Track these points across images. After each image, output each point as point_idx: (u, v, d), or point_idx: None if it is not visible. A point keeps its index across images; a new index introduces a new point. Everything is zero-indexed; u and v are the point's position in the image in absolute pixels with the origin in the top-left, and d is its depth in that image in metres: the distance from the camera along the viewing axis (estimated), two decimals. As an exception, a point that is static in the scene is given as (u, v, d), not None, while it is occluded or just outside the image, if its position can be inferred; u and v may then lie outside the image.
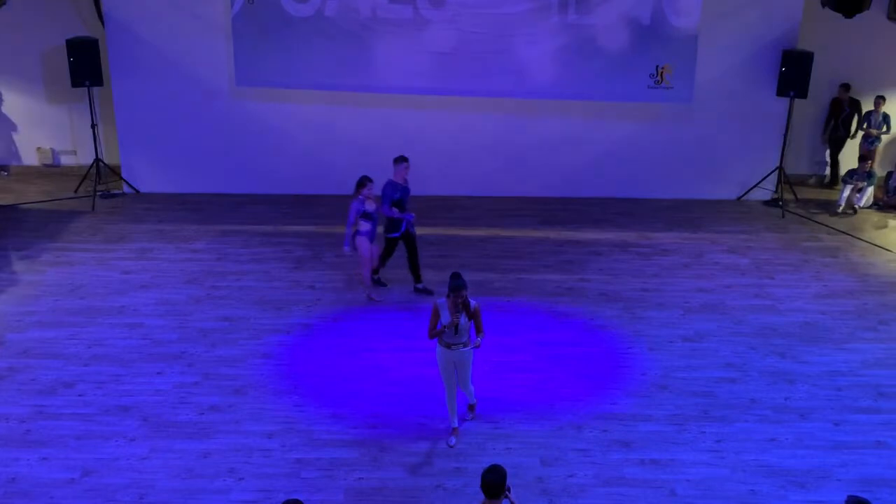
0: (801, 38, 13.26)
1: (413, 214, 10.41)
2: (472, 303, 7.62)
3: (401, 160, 10.26)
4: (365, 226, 10.06)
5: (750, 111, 13.51)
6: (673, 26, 12.35)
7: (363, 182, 9.98)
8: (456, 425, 7.95)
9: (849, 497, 5.61)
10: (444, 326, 7.57)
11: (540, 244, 12.16)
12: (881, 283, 11.23)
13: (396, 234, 10.37)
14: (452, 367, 7.78)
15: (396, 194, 10.15)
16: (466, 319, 7.59)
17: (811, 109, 14.15)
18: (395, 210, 10.16)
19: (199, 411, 8.27)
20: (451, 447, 7.82)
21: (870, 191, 13.65)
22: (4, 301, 10.31)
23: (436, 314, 7.63)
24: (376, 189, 10.12)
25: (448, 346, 7.69)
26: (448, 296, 7.56)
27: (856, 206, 13.52)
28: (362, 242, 10.09)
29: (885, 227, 13.13)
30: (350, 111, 13.31)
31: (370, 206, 10.03)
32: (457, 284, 7.51)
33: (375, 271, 10.65)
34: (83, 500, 7.10)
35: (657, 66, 12.51)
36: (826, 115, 14.18)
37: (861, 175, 13.46)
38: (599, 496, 7.25)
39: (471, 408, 8.22)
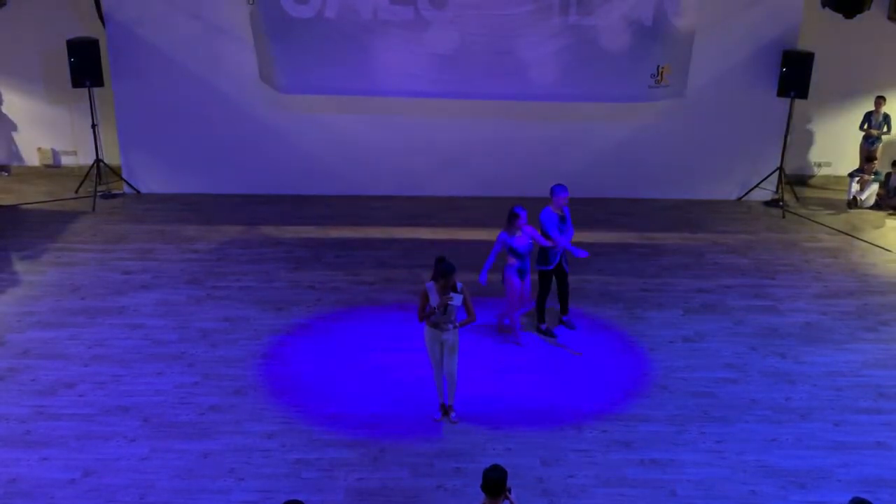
0: (801, 39, 13.26)
1: (565, 249, 9.49)
2: (459, 285, 7.85)
3: (562, 187, 9.44)
4: (512, 261, 9.27)
5: (750, 111, 13.50)
6: (674, 26, 12.32)
7: (517, 214, 9.13)
8: (443, 401, 8.20)
9: (853, 499, 5.61)
10: (433, 308, 7.79)
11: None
12: (881, 284, 11.23)
13: (549, 267, 9.54)
14: (439, 347, 7.98)
15: (554, 224, 9.42)
16: (459, 300, 7.81)
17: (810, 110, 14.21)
18: (548, 242, 9.35)
19: (200, 412, 8.27)
20: (436, 421, 8.13)
21: (874, 187, 13.68)
22: (5, 301, 10.32)
23: (425, 297, 7.88)
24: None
25: (436, 326, 7.91)
26: (436, 280, 7.80)
27: (858, 199, 13.59)
28: (511, 277, 9.27)
29: (883, 226, 13.14)
30: (350, 111, 13.30)
31: (519, 243, 9.17)
32: (444, 269, 7.74)
33: (540, 317, 9.79)
34: (84, 500, 7.10)
35: (658, 66, 12.47)
36: None
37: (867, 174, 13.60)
38: (600, 496, 7.25)
39: (448, 408, 8.19)
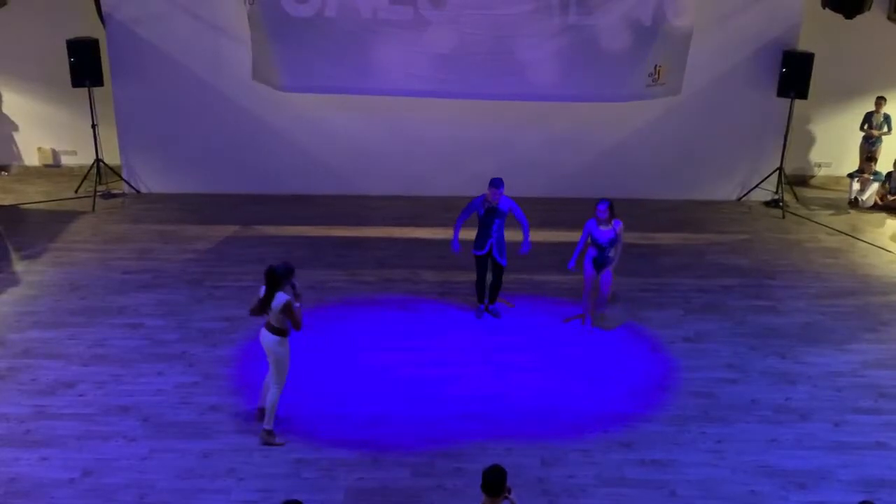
0: (801, 39, 13.26)
1: (493, 246, 9.89)
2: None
3: (496, 182, 9.72)
4: (590, 251, 9.73)
5: (750, 112, 13.51)
6: (673, 26, 12.30)
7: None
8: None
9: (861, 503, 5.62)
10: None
11: (540, 244, 12.13)
12: (882, 284, 11.22)
13: (478, 252, 9.96)
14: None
15: (481, 212, 9.79)
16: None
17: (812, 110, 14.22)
18: (458, 230, 9.94)
19: (200, 411, 8.27)
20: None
21: (874, 186, 13.70)
22: (4, 301, 10.31)
23: (293, 310, 7.72)
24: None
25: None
26: (289, 287, 7.77)
27: (859, 199, 13.61)
28: (586, 266, 9.76)
29: (883, 225, 13.15)
30: (350, 111, 13.30)
31: (600, 233, 9.53)
32: (287, 271, 7.70)
33: (481, 300, 10.17)
34: (83, 500, 7.09)
35: (656, 66, 12.44)
36: None
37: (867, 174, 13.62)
38: (600, 496, 7.25)
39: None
